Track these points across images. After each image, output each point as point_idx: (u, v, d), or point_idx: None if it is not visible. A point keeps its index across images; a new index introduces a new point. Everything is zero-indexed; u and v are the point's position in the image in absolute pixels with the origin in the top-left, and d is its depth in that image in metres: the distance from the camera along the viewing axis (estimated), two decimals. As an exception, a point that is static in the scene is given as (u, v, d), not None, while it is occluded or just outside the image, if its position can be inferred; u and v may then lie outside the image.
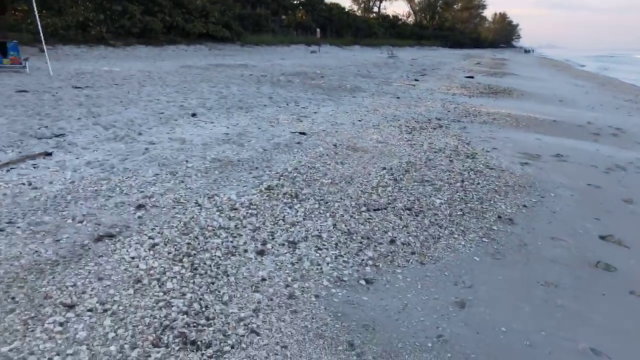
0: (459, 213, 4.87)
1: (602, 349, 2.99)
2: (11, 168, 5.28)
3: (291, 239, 4.07)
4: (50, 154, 5.84)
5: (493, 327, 3.13)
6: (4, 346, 2.54)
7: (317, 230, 4.28)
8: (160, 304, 3.03)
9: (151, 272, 3.40)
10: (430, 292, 3.50)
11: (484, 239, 4.38)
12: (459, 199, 5.24)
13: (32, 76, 11.27)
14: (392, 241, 4.16)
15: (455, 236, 4.38)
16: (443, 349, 2.88)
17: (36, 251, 3.56)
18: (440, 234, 4.39)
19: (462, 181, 5.84)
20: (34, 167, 5.37)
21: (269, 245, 3.94)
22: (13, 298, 2.96)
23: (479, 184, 5.80)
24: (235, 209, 4.63)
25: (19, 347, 2.54)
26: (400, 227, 4.44)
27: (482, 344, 2.95)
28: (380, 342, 2.89)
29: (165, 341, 2.69)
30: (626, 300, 3.60)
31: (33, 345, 2.56)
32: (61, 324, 2.75)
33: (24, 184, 4.89)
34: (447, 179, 5.91)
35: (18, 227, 3.93)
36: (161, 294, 3.14)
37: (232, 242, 3.95)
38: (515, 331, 3.10)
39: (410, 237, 4.26)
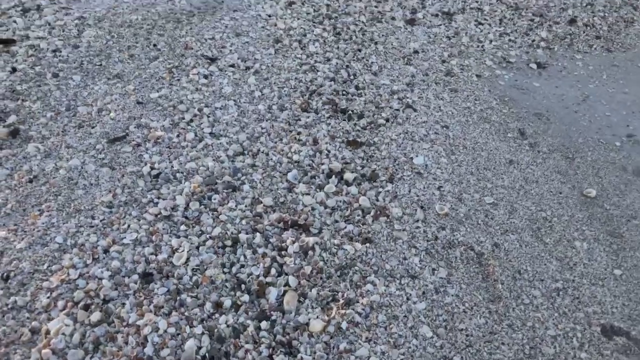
0: (661, -7, 3.80)
1: None
2: None
3: (445, 10, 3.43)
4: None
5: (698, 134, 2.54)
6: (152, 92, 2.44)
7: (477, 1, 3.55)
8: (305, 67, 2.73)
9: (291, 32, 3.03)
10: (619, 84, 2.87)
11: (691, 29, 3.43)
12: (663, -25, 4.06)
13: None
14: (572, 21, 3.37)
15: (655, 21, 3.46)
16: (634, 150, 2.40)
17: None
18: (634, 18, 3.48)
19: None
20: None
21: (419, 15, 3.35)
22: (155, 45, 2.79)
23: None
24: (377, -30, 3.93)
25: (167, 95, 2.43)
26: (584, 4, 3.56)
27: (684, 152, 2.42)
28: (556, 134, 2.45)
29: (314, 107, 2.45)
30: None
31: (181, 95, 2.43)
32: (206, 77, 2.58)
33: None
34: (648, -52, 4.56)
35: (148, -26, 3.62)
36: (304, 56, 2.82)
37: (376, 6, 3.40)
38: None
39: (595, 18, 3.42)
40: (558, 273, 1.76)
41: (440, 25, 3.25)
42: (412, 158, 2.18)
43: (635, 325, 1.63)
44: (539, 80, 2.85)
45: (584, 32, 3.28)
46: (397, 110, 2.48)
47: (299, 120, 2.36)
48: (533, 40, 3.17)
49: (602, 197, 2.11)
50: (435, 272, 1.70)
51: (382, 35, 3.09)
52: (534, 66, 2.96)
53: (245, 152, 2.14)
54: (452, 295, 1.63)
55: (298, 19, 3.18)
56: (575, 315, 1.63)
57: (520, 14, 3.43)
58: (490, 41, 3.13)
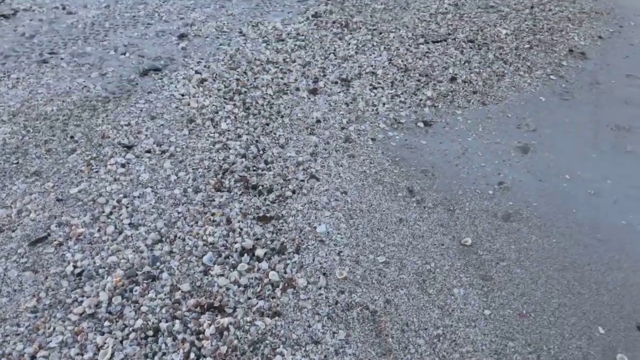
0: (526, 46, 4.41)
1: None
2: (41, -9, 4.93)
3: (344, 76, 3.83)
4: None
5: (557, 175, 3.01)
6: (72, 187, 2.60)
7: (371, 65, 3.98)
8: (217, 145, 2.99)
9: (203, 111, 3.30)
10: (492, 135, 3.34)
11: (551, 77, 4.02)
12: (527, 29, 4.71)
13: None
14: (453, 79, 3.86)
15: (521, 73, 4.03)
16: (504, 196, 2.82)
17: (85, 86, 3.47)
18: (505, 71, 4.03)
19: (532, 7, 5.19)
20: (64, -10, 5.00)
21: (321, 83, 3.72)
22: (72, 137, 2.95)
23: (550, 10, 5.15)
24: (282, 40, 4.30)
25: (86, 189, 2.60)
26: (462, 62, 4.08)
27: (545, 192, 2.87)
28: (440, 188, 2.84)
29: (227, 185, 2.70)
30: None
31: (100, 187, 2.61)
32: (123, 165, 2.77)
33: (57, 7, 4.59)
34: (515, 4, 5.26)
35: (62, 59, 3.78)
36: (217, 135, 3.08)
37: (282, 78, 3.74)
38: (579, 179, 2.98)
39: (472, 74, 3.94)
40: (439, 320, 2.09)
41: (340, 92, 3.63)
42: (315, 227, 2.47)
43: (500, 358, 1.97)
44: (426, 138, 3.26)
45: (463, 89, 3.77)
46: (302, 181, 2.78)
47: (213, 200, 2.60)
48: (420, 100, 3.61)
49: (476, 244, 2.49)
50: (336, 334, 1.97)
51: (288, 107, 3.42)
52: (422, 125, 3.37)
53: (163, 239, 2.35)
54: (350, 355, 1.91)
55: (210, 96, 3.45)
56: (452, 357, 1.95)
57: (409, 75, 3.88)
58: (384, 104, 3.53)
